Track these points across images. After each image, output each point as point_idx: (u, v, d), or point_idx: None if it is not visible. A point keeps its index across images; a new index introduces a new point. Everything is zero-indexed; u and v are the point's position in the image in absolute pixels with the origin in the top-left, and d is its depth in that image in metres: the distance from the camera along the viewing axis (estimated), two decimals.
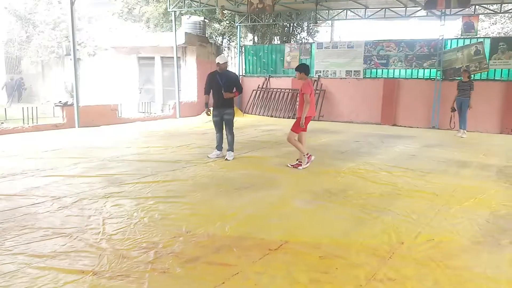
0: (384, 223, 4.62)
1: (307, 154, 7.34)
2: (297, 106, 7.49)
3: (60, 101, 12.32)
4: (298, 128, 7.28)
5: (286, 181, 6.44)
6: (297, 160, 7.46)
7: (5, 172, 6.53)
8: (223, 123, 7.98)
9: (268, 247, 3.93)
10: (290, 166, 7.35)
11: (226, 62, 7.97)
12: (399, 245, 4.05)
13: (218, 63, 7.84)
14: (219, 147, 8.18)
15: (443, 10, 13.90)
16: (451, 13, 14.33)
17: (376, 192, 5.87)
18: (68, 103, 12.05)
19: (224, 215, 4.80)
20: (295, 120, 7.46)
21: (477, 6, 14.37)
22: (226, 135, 8.03)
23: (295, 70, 7.35)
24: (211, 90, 7.97)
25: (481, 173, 7.18)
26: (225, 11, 15.94)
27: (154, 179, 6.34)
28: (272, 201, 5.39)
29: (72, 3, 12.12)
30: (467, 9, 13.71)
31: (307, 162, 7.30)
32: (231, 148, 8.05)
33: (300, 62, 17.01)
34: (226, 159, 7.87)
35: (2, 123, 12.63)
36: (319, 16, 17.40)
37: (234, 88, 7.94)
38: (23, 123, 11.35)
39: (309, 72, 7.38)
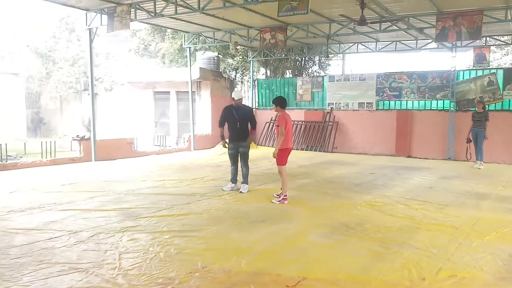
0: (403, 258, 4.52)
1: (285, 195, 7.16)
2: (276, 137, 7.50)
3: (77, 135, 12.55)
4: (281, 160, 7.22)
5: (302, 214, 6.38)
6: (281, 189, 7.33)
7: (23, 206, 6.60)
8: (238, 155, 8.03)
9: (285, 283, 3.86)
10: (276, 196, 7.32)
11: (242, 98, 8.11)
12: (420, 281, 3.95)
13: (233, 98, 8.00)
14: (233, 179, 8.19)
15: (454, 42, 14.04)
16: (462, 45, 14.46)
17: (395, 225, 5.77)
18: (85, 137, 12.28)
19: (239, 250, 4.75)
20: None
21: (488, 38, 14.46)
22: (241, 167, 8.07)
23: (272, 103, 7.49)
24: (227, 124, 8.06)
25: (501, 206, 7.02)
26: (239, 47, 16.29)
27: (169, 213, 6.35)
28: (288, 235, 5.33)
29: (91, 41, 12.53)
30: (478, 41, 13.83)
31: (278, 201, 7.10)
32: (245, 181, 8.06)
33: (312, 95, 17.23)
34: (241, 192, 7.86)
35: (21, 157, 12.89)
36: (330, 50, 17.71)
37: (249, 123, 8.03)
38: (41, 157, 11.56)
39: (286, 105, 7.37)
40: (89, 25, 12.53)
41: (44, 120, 26.01)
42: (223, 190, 8.05)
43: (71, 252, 4.64)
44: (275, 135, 7.71)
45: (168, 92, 17.98)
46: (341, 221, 5.97)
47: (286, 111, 7.40)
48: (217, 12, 11.94)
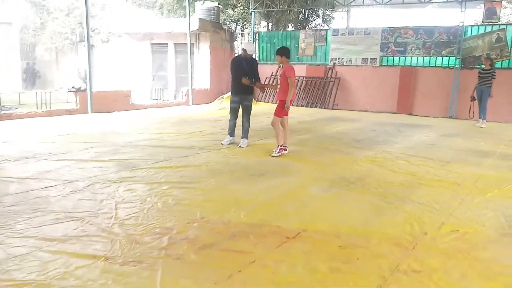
0: (405, 213, 4.44)
1: (282, 145, 7.08)
2: (278, 90, 7.25)
3: (73, 87, 12.27)
4: (282, 112, 7.07)
5: (302, 168, 6.27)
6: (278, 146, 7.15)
7: (18, 156, 6.47)
8: (241, 110, 7.80)
9: (285, 235, 3.78)
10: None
11: (254, 51, 7.75)
12: (422, 235, 3.87)
13: (245, 50, 7.68)
14: (232, 133, 8.02)
15: None
16: None
17: (396, 181, 5.67)
18: (82, 89, 12.00)
19: (239, 202, 4.66)
20: (277, 104, 7.24)
21: None
22: (243, 122, 7.87)
23: (276, 54, 7.10)
24: (233, 76, 7.75)
25: (503, 164, 6.92)
26: None
27: (167, 165, 6.23)
28: (288, 188, 5.23)
29: None
30: None
31: (278, 152, 7.00)
32: (245, 136, 7.90)
33: (315, 49, 16.77)
34: (240, 146, 7.72)
35: (16, 108, 12.67)
36: (335, 1, 17.07)
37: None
38: (37, 108, 11.33)
39: (290, 56, 7.11)
40: None
41: (39, 72, 25.50)
42: (221, 144, 7.90)
43: (66, 201, 4.54)
44: (278, 88, 7.32)
45: (166, 44, 17.47)
46: (341, 175, 5.87)
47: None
48: None
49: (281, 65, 7.16)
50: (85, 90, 11.99)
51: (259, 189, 5.18)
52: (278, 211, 4.42)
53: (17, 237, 3.58)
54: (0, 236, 3.57)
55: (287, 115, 7.23)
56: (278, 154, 6.98)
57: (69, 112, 11.56)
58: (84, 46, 20.13)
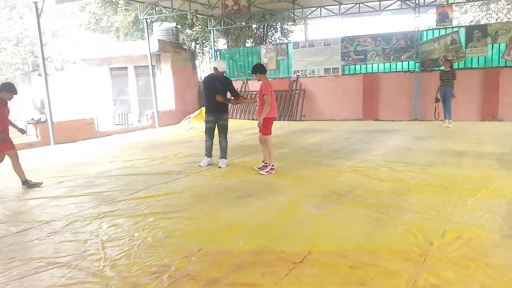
0: (405, 223, 4.35)
1: (272, 165, 6.92)
2: (257, 107, 7.10)
3: (32, 119, 11.65)
4: (268, 129, 6.97)
5: (288, 185, 6.11)
6: (263, 162, 7.14)
7: None
8: (217, 129, 7.58)
9: (291, 260, 3.58)
10: (257, 169, 7.06)
11: (225, 70, 7.56)
12: (428, 246, 3.78)
13: (216, 68, 7.45)
14: (209, 154, 7.77)
15: (417, 2, 13.99)
16: (425, 4, 14.42)
17: (385, 189, 5.61)
18: (42, 120, 11.38)
19: (233, 228, 4.43)
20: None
21: None
22: (220, 142, 7.64)
23: (252, 73, 6.98)
24: (206, 95, 7.53)
25: (482, 162, 7.04)
26: (199, 15, 15.52)
27: (147, 194, 5.90)
28: (280, 208, 5.05)
29: (38, 15, 11.47)
30: None
31: (267, 172, 6.82)
32: (224, 155, 7.66)
33: (278, 63, 16.83)
34: (219, 167, 7.48)
35: None
36: (293, 15, 17.25)
37: (229, 94, 7.58)
38: None
39: (265, 71, 7.08)
40: None
41: None
42: (200, 166, 7.63)
43: (45, 245, 4.15)
44: (256, 105, 7.27)
45: (126, 68, 17.00)
46: (330, 189, 5.75)
47: (252, 81, 7.10)
48: None
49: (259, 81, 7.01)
50: (45, 121, 11.39)
51: (250, 211, 4.96)
52: (277, 234, 4.22)
53: None
54: None
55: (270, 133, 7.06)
56: (266, 173, 6.80)
57: (30, 145, 10.92)
58: (39, 75, 19.35)
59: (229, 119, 7.92)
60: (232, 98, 7.63)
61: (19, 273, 3.54)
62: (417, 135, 10.32)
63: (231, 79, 16.95)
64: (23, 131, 7.00)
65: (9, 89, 6.48)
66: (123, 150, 9.96)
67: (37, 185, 6.59)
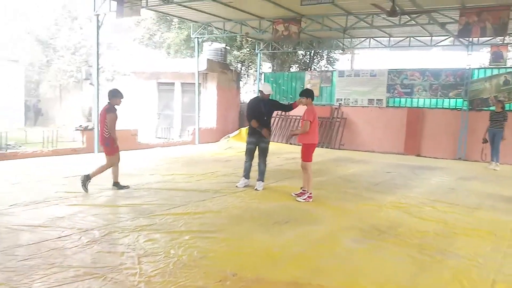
0: (450, 268, 4.13)
1: (310, 193, 6.78)
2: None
3: (80, 125, 12.08)
4: (309, 155, 6.84)
5: (326, 215, 5.97)
6: (301, 188, 6.99)
7: (27, 200, 6.15)
8: (257, 151, 7.58)
9: None
10: (294, 195, 6.92)
11: (271, 93, 7.60)
12: None
13: (262, 91, 7.53)
14: (247, 175, 7.75)
15: (471, 40, 13.65)
16: (479, 42, 14.07)
17: (429, 230, 5.37)
18: (88, 128, 11.80)
19: (269, 255, 4.35)
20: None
21: (506, 36, 14.05)
22: (259, 164, 7.61)
23: (300, 95, 6.88)
24: (251, 116, 7.58)
25: None
26: (249, 38, 15.80)
27: (184, 210, 5.92)
28: (318, 238, 4.92)
29: (98, 27, 12.00)
30: (495, 39, 13.45)
31: (304, 199, 6.68)
32: (261, 178, 7.63)
33: (321, 90, 16.79)
34: (256, 189, 7.44)
35: (20, 146, 12.43)
36: (341, 44, 17.27)
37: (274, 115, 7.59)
38: (42, 147, 11.09)
39: (314, 97, 6.99)
40: (96, 11, 12.01)
41: (42, 110, 25.47)
42: (237, 186, 7.62)
43: (84, 253, 4.21)
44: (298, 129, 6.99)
45: (173, 84, 17.47)
46: (370, 223, 5.57)
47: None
48: (228, 1, 11.43)
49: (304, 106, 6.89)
50: (92, 129, 11.79)
51: (287, 239, 4.86)
52: (314, 266, 4.09)
53: None
54: None
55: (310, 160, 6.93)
56: (303, 201, 6.66)
57: (75, 151, 11.30)
58: (90, 84, 20.23)
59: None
60: (267, 129, 7.49)
61: (56, 279, 3.58)
62: (461, 175, 9.92)
63: None
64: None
65: (116, 94, 6.95)
66: (163, 164, 10.12)
67: (125, 187, 7.10)
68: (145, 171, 9.04)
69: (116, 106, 7.00)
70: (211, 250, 4.44)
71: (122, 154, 11.59)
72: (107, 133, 6.87)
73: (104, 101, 12.11)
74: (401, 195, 7.45)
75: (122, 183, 7.26)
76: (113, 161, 7.06)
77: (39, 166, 9.27)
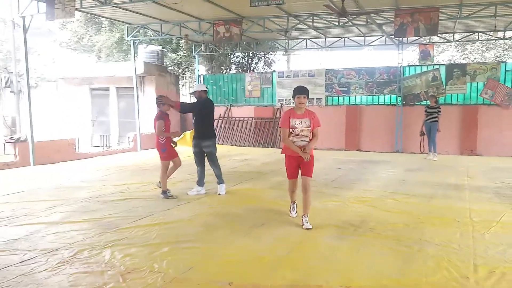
0: (432, 257, 4.29)
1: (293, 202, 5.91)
2: (300, 140, 5.32)
3: (11, 137, 11.06)
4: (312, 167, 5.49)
5: (298, 215, 5.96)
6: (304, 215, 5.40)
7: None
8: (204, 155, 7.32)
9: None
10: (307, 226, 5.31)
11: (195, 91, 7.38)
12: (465, 280, 3.73)
13: (204, 91, 7.40)
14: (200, 182, 7.39)
15: (401, 39, 14.48)
16: (408, 41, 14.99)
17: (399, 222, 5.57)
18: (21, 139, 10.83)
19: (258, 260, 4.23)
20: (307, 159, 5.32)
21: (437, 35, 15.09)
22: (212, 169, 7.37)
23: (300, 94, 5.24)
24: (194, 118, 7.34)
25: (481, 196, 7.17)
26: (190, 41, 15.46)
27: (152, 221, 5.61)
28: (299, 240, 4.88)
29: (25, 31, 11.14)
30: (422, 38, 14.41)
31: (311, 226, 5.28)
32: (221, 181, 7.41)
33: (262, 91, 16.88)
34: (219, 194, 7.26)
35: None
36: (278, 45, 17.53)
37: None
38: None
39: None
40: (22, 13, 11.06)
41: None
42: (187, 194, 7.27)
43: (58, 276, 3.81)
44: (296, 135, 5.32)
45: (108, 89, 16.62)
46: (342, 219, 5.65)
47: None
48: (172, 2, 11.07)
49: (300, 107, 5.34)
50: (25, 140, 10.84)
51: (269, 242, 4.78)
52: (305, 267, 4.05)
53: None
54: None
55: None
56: (311, 228, 5.23)
57: (8, 165, 10.32)
58: (11, 92, 18.64)
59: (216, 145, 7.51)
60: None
61: None
62: (406, 167, 10.46)
63: (215, 104, 17.05)
64: (175, 144, 7.34)
65: (162, 101, 7.07)
66: (111, 174, 9.55)
67: (172, 196, 6.99)
68: (93, 182, 8.48)
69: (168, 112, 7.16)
70: (196, 260, 4.23)
71: (61, 165, 10.89)
72: (162, 139, 7.01)
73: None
74: (360, 189, 7.68)
75: (76, 196, 6.73)
76: (166, 165, 7.13)
77: None
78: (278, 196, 7.06)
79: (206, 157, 7.36)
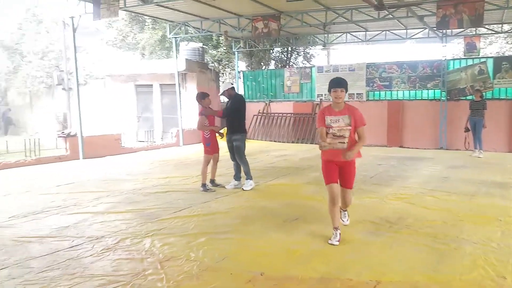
0: (469, 255, 4.22)
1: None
2: (339, 141, 4.46)
3: (62, 132, 11.70)
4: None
5: None
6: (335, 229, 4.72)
7: (25, 211, 5.92)
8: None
9: None
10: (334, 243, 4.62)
11: (223, 91, 7.49)
12: (502, 280, 3.65)
13: (233, 88, 7.62)
14: (236, 176, 7.62)
15: (445, 32, 14.01)
16: (452, 34, 14.48)
17: (436, 219, 5.48)
18: (72, 134, 11.44)
19: (290, 253, 4.33)
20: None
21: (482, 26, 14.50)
22: (240, 164, 7.51)
23: (337, 87, 4.46)
24: (238, 114, 7.53)
25: None
26: (229, 38, 15.69)
27: (191, 213, 5.83)
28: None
29: (74, 30, 11.67)
30: (468, 30, 13.88)
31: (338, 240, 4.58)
32: (249, 177, 7.45)
33: (301, 86, 16.85)
34: (242, 189, 7.34)
35: None
36: (317, 40, 17.43)
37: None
38: (25, 156, 10.68)
39: None
40: (71, 14, 11.64)
41: (12, 118, 24.49)
42: (225, 188, 7.48)
43: (102, 262, 4.08)
44: (333, 136, 4.48)
45: (151, 85, 17.16)
46: (379, 216, 5.63)
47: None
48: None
49: (337, 104, 4.52)
50: (75, 135, 11.44)
51: (303, 236, 4.86)
52: (338, 261, 4.10)
53: None
54: None
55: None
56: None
57: (60, 159, 10.94)
58: (63, 89, 19.60)
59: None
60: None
61: None
62: (450, 164, 10.17)
63: (254, 100, 17.24)
64: (221, 135, 7.57)
65: (203, 97, 7.41)
66: (154, 168, 9.93)
67: (210, 190, 7.25)
68: (137, 175, 8.85)
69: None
70: (231, 251, 4.39)
71: (108, 159, 11.41)
72: (207, 134, 7.31)
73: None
74: (399, 186, 7.57)
75: (121, 188, 7.08)
76: (208, 160, 7.38)
77: (25, 176, 8.93)
78: (314, 191, 7.10)
79: (234, 152, 7.46)
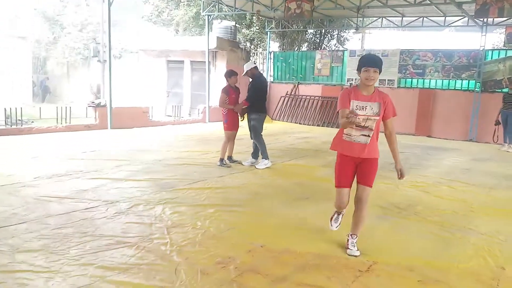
0: (472, 244, 4.20)
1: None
2: (361, 133, 3.88)
3: (93, 102, 12.11)
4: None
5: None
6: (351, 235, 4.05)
7: (49, 173, 6.25)
8: None
9: (356, 267, 3.55)
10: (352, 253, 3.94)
11: (246, 71, 7.41)
12: (500, 270, 3.64)
13: (253, 68, 7.49)
14: (254, 154, 7.73)
15: (486, 20, 13.47)
16: (494, 23, 13.89)
17: (448, 208, 5.44)
18: (101, 104, 11.83)
19: (294, 228, 4.43)
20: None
21: None
22: (256, 143, 7.58)
23: (370, 66, 3.56)
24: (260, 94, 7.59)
25: None
26: (261, 17, 15.63)
27: (205, 185, 6.01)
28: None
29: (109, 4, 11.89)
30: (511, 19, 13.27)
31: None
32: (264, 156, 7.52)
33: (331, 69, 16.64)
34: (255, 167, 7.43)
35: (32, 122, 12.49)
36: (352, 23, 17.09)
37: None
38: (56, 122, 11.16)
39: None
40: None
41: (49, 87, 25.41)
42: (242, 164, 7.62)
43: (113, 224, 4.31)
44: (355, 127, 3.84)
45: (182, 62, 17.40)
46: (390, 201, 5.64)
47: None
48: None
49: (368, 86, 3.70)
50: (105, 105, 11.83)
51: (310, 214, 4.95)
52: (340, 240, 4.16)
53: (74, 264, 3.34)
54: (57, 263, 3.33)
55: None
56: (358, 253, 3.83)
57: (89, 127, 11.37)
58: (98, 61, 20.16)
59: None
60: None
61: (91, 247, 3.68)
62: (475, 156, 9.94)
63: (283, 82, 17.20)
64: (242, 117, 7.61)
65: (231, 75, 7.49)
66: (178, 141, 10.19)
67: (227, 165, 7.39)
68: (161, 147, 9.12)
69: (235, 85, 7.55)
70: (237, 223, 4.53)
71: (135, 130, 11.77)
72: (224, 111, 7.41)
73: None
74: (417, 174, 7.50)
75: (142, 158, 7.33)
76: (228, 136, 7.51)
77: (55, 141, 9.36)
78: (329, 174, 7.10)
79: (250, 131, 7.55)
